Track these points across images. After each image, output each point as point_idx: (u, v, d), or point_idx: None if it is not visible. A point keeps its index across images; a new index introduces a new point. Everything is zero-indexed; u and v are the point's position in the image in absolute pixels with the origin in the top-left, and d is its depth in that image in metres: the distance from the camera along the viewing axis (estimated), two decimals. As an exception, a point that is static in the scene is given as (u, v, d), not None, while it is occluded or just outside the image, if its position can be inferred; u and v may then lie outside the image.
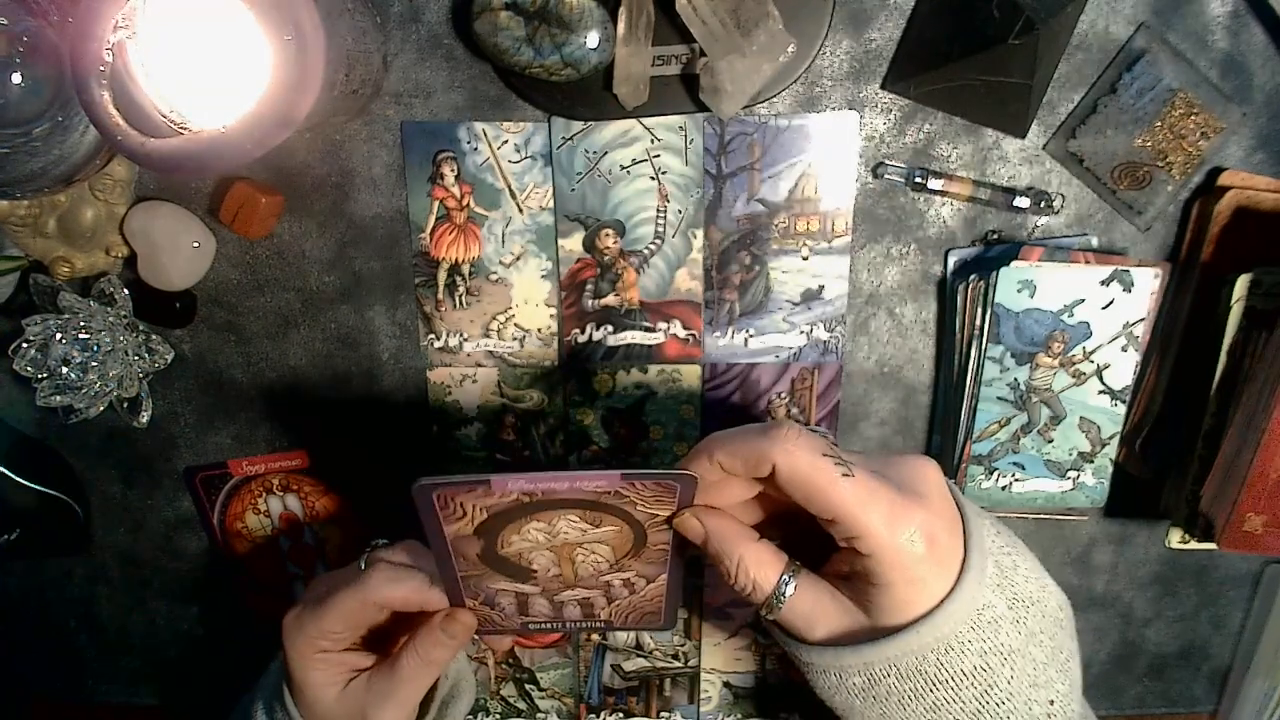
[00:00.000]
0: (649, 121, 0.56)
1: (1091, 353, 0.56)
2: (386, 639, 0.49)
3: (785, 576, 0.38)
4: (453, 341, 0.61)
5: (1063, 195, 0.56)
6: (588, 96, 0.53)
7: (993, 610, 0.36)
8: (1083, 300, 0.54)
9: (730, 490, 0.39)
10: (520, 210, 0.58)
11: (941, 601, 0.35)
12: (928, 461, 0.38)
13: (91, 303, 0.57)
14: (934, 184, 0.55)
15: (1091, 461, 0.59)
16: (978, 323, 0.56)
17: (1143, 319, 0.55)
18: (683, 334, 0.60)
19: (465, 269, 0.59)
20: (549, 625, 0.48)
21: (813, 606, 0.38)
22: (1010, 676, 0.36)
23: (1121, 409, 0.57)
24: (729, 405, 0.61)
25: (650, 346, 0.61)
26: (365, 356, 0.62)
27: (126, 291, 0.58)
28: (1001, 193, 0.56)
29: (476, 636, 0.48)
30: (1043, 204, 0.56)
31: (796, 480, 0.35)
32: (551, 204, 0.58)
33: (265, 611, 0.70)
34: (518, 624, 0.48)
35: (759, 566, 0.38)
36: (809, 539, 0.39)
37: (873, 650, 0.36)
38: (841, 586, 0.38)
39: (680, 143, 0.56)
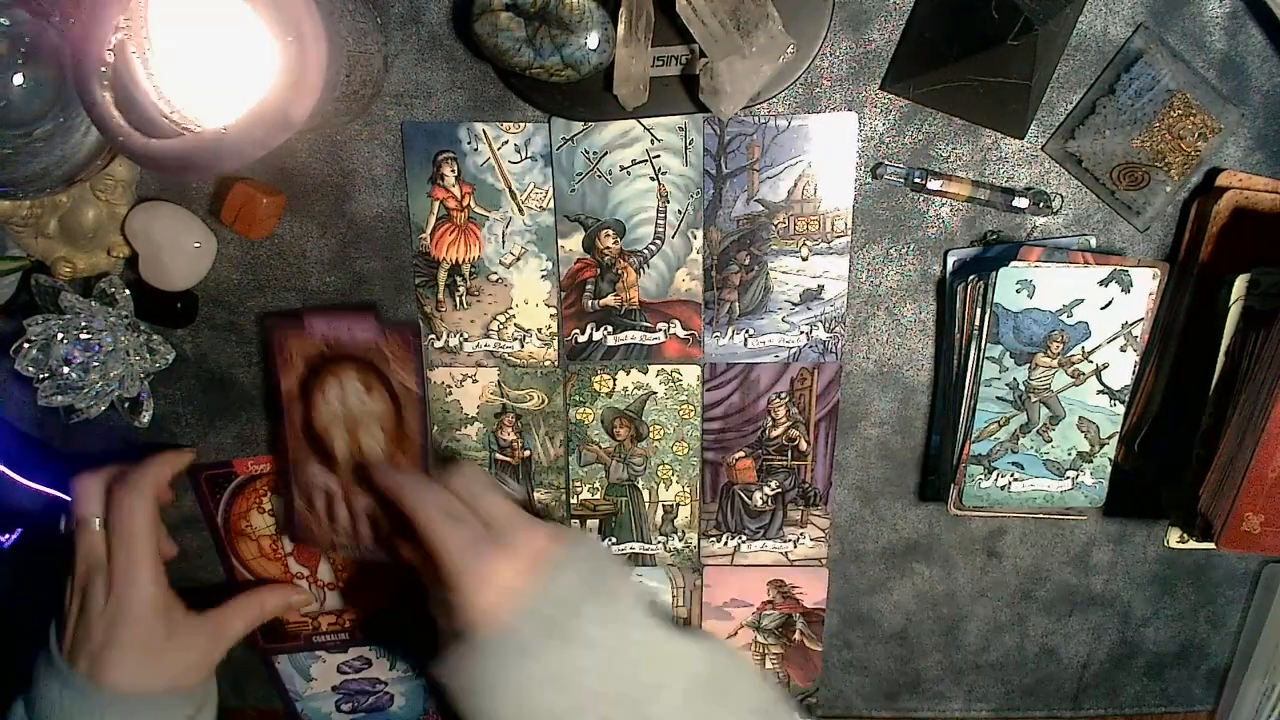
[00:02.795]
0: (649, 122, 0.56)
1: (1090, 353, 0.56)
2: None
3: None
4: (453, 341, 0.61)
5: (1061, 196, 0.57)
6: (588, 97, 0.54)
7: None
8: (1081, 300, 0.55)
9: None
10: (520, 210, 0.58)
11: None
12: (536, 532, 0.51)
13: (93, 303, 0.57)
14: (933, 184, 0.56)
15: (1090, 461, 0.59)
16: (977, 323, 0.56)
17: (1141, 319, 0.55)
18: (682, 334, 0.60)
19: (465, 269, 0.59)
20: (349, 547, 0.60)
21: None
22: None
23: (1120, 409, 0.58)
24: (729, 405, 0.62)
25: (650, 346, 0.61)
26: (366, 356, 0.62)
27: (128, 291, 0.58)
28: (1000, 193, 0.56)
29: (295, 541, 0.62)
30: (1041, 204, 0.56)
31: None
32: (551, 204, 0.58)
33: (266, 611, 0.70)
34: (329, 538, 0.60)
35: None
36: None
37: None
38: None
39: (680, 143, 0.56)
